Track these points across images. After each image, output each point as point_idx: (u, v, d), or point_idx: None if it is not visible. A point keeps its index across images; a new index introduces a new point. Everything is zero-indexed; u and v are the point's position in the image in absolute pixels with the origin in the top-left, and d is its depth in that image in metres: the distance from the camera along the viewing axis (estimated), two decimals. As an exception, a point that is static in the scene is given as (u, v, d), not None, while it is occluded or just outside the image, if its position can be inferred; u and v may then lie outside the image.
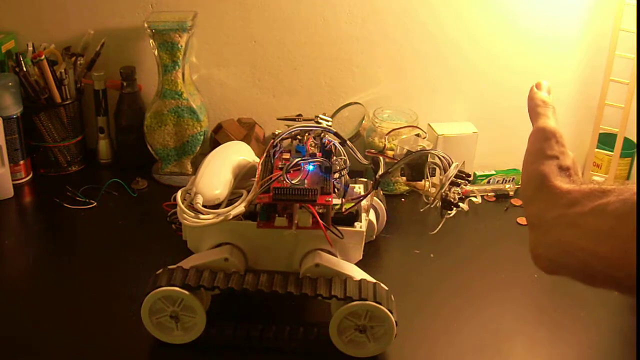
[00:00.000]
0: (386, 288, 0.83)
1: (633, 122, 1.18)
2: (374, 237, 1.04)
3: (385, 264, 1.03)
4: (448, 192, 0.82)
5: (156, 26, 1.14)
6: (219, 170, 0.90)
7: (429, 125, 1.22)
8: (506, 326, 0.91)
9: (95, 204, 1.14)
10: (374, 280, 0.84)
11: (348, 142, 0.89)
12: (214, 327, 0.85)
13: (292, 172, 0.81)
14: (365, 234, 0.88)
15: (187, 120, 1.19)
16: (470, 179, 0.86)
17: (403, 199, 1.21)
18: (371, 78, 1.27)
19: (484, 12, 1.20)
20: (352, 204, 0.88)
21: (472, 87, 1.26)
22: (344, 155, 0.87)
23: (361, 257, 0.89)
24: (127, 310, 0.89)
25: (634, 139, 1.23)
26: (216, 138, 1.23)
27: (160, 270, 0.84)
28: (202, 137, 1.21)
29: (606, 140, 1.23)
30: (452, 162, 0.84)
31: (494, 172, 1.24)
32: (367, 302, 0.80)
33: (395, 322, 0.81)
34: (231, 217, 0.83)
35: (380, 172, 0.86)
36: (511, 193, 1.21)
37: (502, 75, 1.24)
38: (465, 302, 0.95)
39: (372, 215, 1.02)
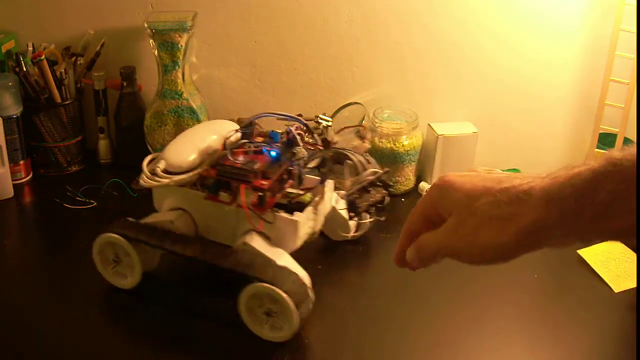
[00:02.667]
0: (305, 282, 0.83)
1: (633, 122, 1.18)
2: (349, 236, 1.02)
3: (384, 264, 1.03)
4: (357, 197, 0.82)
5: (156, 26, 1.14)
6: (191, 141, 0.95)
7: (429, 125, 1.22)
8: (506, 326, 0.91)
9: (95, 204, 1.14)
10: (295, 270, 0.84)
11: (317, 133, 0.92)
12: (152, 284, 0.92)
13: (252, 154, 0.86)
14: (300, 225, 0.86)
15: (187, 120, 1.19)
16: (390, 190, 0.86)
17: (403, 199, 1.21)
18: (371, 78, 1.27)
19: (485, 12, 1.20)
20: (304, 194, 0.89)
21: (472, 87, 1.26)
22: (315, 146, 0.90)
23: (297, 247, 0.89)
24: (127, 310, 0.89)
25: (634, 139, 1.23)
26: None
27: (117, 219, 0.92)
28: (202, 137, 1.21)
29: (606, 140, 1.23)
30: (369, 167, 0.84)
31: (494, 172, 1.24)
32: (264, 284, 0.80)
33: (301, 316, 0.80)
34: (173, 183, 0.90)
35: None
36: (511, 193, 1.21)
37: (502, 75, 1.24)
38: (464, 302, 0.95)
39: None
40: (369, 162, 0.87)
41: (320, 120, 1.19)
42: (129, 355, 0.85)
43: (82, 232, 1.10)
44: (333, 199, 0.95)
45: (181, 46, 1.15)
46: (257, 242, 0.87)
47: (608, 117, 1.20)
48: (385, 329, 0.89)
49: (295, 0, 1.21)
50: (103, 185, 1.17)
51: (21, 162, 1.19)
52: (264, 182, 0.83)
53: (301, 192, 0.90)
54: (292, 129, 0.90)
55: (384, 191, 0.85)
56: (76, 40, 1.23)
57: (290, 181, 0.89)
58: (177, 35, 1.14)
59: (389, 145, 1.18)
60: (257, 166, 0.84)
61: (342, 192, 0.86)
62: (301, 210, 0.88)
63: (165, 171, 0.92)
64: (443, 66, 1.25)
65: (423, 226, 0.55)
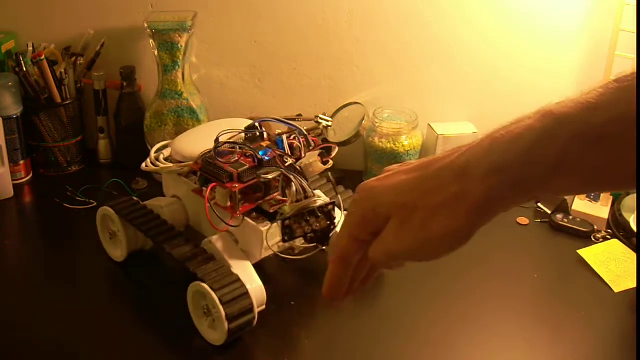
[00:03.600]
0: (250, 295, 0.81)
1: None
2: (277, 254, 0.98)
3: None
4: (293, 222, 0.80)
5: (156, 26, 1.14)
6: (201, 134, 0.97)
7: (429, 125, 1.22)
8: (506, 327, 0.91)
9: (95, 204, 1.14)
10: (245, 280, 0.82)
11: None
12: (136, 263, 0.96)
13: (243, 157, 0.85)
14: (265, 235, 0.85)
15: (187, 120, 1.19)
16: (334, 222, 0.82)
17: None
18: (371, 78, 1.27)
19: (485, 12, 1.20)
20: (283, 205, 0.86)
21: (472, 87, 1.26)
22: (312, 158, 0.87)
23: (259, 258, 0.88)
24: (127, 309, 0.89)
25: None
26: None
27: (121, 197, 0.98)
28: (202, 137, 1.21)
29: (606, 140, 1.22)
30: (311, 196, 0.83)
31: (494, 172, 1.24)
32: (203, 284, 0.80)
33: (229, 320, 0.79)
34: (163, 172, 0.94)
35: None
36: (511, 193, 1.21)
37: (502, 75, 1.24)
38: (464, 303, 0.95)
39: None
40: (310, 190, 0.85)
41: (320, 120, 1.20)
42: (129, 353, 0.85)
43: (82, 232, 1.10)
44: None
45: (181, 46, 1.15)
46: (221, 243, 0.87)
47: (608, 117, 1.20)
48: (384, 330, 0.89)
49: (295, 0, 1.21)
50: (103, 185, 1.17)
51: (21, 162, 1.19)
52: (236, 185, 0.83)
53: (283, 201, 0.86)
54: (284, 137, 0.89)
55: (327, 222, 0.82)
56: (76, 40, 1.23)
57: (278, 191, 0.86)
58: (177, 35, 1.14)
59: (389, 145, 1.18)
60: (238, 169, 0.83)
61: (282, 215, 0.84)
62: (271, 219, 0.86)
63: (170, 159, 0.95)
64: (443, 66, 1.25)
65: (356, 250, 0.50)
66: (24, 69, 1.16)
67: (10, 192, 1.16)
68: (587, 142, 0.41)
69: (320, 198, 0.86)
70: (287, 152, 0.88)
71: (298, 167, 0.86)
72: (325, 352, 0.86)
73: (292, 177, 0.83)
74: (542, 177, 0.42)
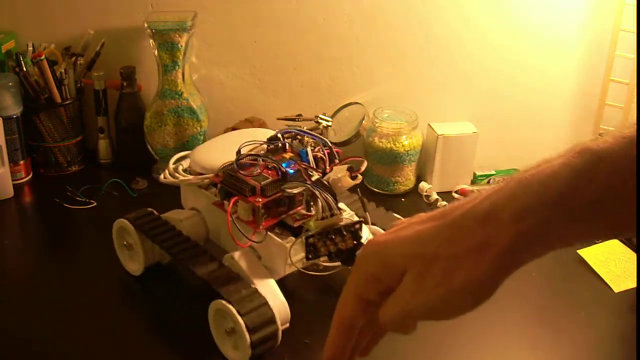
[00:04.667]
0: (273, 312, 0.78)
1: (633, 122, 1.18)
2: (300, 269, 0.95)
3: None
4: (317, 240, 0.77)
5: (156, 26, 1.14)
6: (222, 145, 0.95)
7: (429, 125, 1.22)
8: (506, 326, 0.91)
9: (95, 204, 1.14)
10: (268, 297, 0.79)
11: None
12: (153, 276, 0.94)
13: (265, 169, 0.83)
14: (288, 251, 0.82)
15: (187, 120, 1.19)
16: (360, 242, 0.78)
17: (403, 199, 1.21)
18: (371, 78, 1.27)
19: (485, 12, 1.20)
20: (308, 219, 0.83)
21: (472, 87, 1.26)
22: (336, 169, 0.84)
23: (282, 275, 0.85)
24: (128, 309, 0.89)
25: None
26: None
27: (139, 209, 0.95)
28: (202, 137, 1.21)
29: (606, 140, 1.22)
30: (336, 213, 0.79)
31: (494, 172, 1.24)
32: (225, 302, 0.78)
33: (254, 344, 0.76)
34: (182, 184, 0.91)
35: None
36: (511, 193, 1.21)
37: (502, 75, 1.24)
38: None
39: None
40: (338, 208, 0.81)
41: (320, 120, 1.20)
42: (128, 352, 0.85)
43: (82, 232, 1.10)
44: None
45: (181, 46, 1.15)
46: (243, 259, 0.84)
47: (608, 117, 1.20)
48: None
49: (295, 0, 1.21)
50: (103, 185, 1.17)
51: (21, 162, 1.19)
52: (259, 199, 0.80)
53: (307, 216, 0.84)
54: (309, 149, 0.86)
55: (354, 241, 0.79)
56: (76, 40, 1.23)
57: (302, 205, 0.84)
58: (177, 35, 1.14)
59: (389, 145, 1.18)
60: (262, 182, 0.81)
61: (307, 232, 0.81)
62: (296, 234, 0.84)
63: (188, 170, 0.93)
64: (443, 66, 1.25)
65: (361, 312, 0.45)
66: (24, 69, 1.16)
67: (10, 192, 1.16)
68: (630, 178, 0.38)
69: (347, 215, 0.83)
70: (312, 164, 0.85)
71: (326, 182, 0.82)
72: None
73: (317, 192, 0.80)
74: (579, 219, 0.39)
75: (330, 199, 0.80)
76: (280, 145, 0.88)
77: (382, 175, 1.20)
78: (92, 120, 1.28)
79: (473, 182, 1.23)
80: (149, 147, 1.22)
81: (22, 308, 0.91)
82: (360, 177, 0.84)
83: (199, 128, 1.20)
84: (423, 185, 1.21)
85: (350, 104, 1.26)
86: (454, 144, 1.20)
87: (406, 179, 1.21)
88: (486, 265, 0.40)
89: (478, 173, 1.24)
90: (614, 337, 0.91)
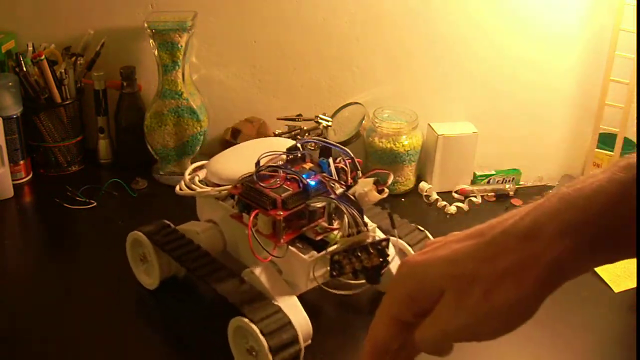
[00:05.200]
0: (296, 329, 0.75)
1: (633, 122, 1.18)
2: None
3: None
4: (342, 257, 0.75)
5: (156, 26, 1.14)
6: (239, 155, 0.92)
7: (429, 125, 1.22)
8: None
9: (95, 204, 1.14)
10: (290, 314, 0.76)
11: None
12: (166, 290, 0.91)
13: (287, 182, 0.80)
14: (309, 265, 0.79)
15: (187, 120, 1.19)
16: (387, 259, 0.76)
17: (403, 199, 1.21)
18: (371, 78, 1.27)
19: (485, 12, 1.20)
20: (330, 232, 0.81)
21: (473, 87, 1.26)
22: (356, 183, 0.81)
23: (304, 290, 0.82)
24: (128, 309, 0.89)
25: (634, 139, 1.23)
26: (239, 142, 1.21)
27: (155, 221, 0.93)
28: (202, 137, 1.21)
29: (606, 140, 1.23)
30: (363, 230, 0.75)
31: (494, 172, 1.24)
32: (246, 320, 0.75)
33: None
34: (199, 195, 0.88)
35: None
36: (511, 193, 1.21)
37: (502, 75, 1.24)
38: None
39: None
40: (365, 224, 0.77)
41: (320, 120, 1.20)
42: (127, 353, 0.85)
43: (82, 232, 1.10)
44: None
45: (181, 46, 1.15)
46: (264, 274, 0.81)
47: (608, 117, 1.20)
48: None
49: (295, 0, 1.21)
50: (103, 185, 1.17)
51: (21, 162, 1.19)
52: (280, 212, 0.77)
53: (329, 229, 0.81)
54: (331, 160, 0.83)
55: (380, 259, 0.76)
56: (76, 40, 1.23)
57: (323, 217, 0.81)
58: (177, 35, 1.14)
59: (389, 145, 1.18)
60: (282, 194, 0.78)
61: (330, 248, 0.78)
62: (323, 250, 0.80)
63: (206, 181, 0.90)
64: (443, 66, 1.25)
65: (396, 334, 0.44)
66: (24, 69, 1.16)
67: (10, 192, 1.16)
68: None
69: (374, 232, 0.80)
70: (334, 177, 0.82)
71: (352, 196, 0.78)
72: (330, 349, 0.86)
73: (344, 208, 0.77)
74: (624, 235, 0.38)
75: (356, 214, 0.77)
76: (299, 155, 0.85)
77: (382, 176, 1.19)
78: (92, 120, 1.28)
79: (473, 182, 1.23)
80: (149, 147, 1.22)
81: (22, 308, 0.91)
82: (387, 190, 0.80)
83: (199, 128, 1.20)
84: (423, 185, 1.22)
85: (350, 104, 1.26)
86: (454, 144, 1.20)
87: (406, 179, 1.21)
88: (529, 283, 0.39)
89: (478, 173, 1.24)
90: (613, 337, 0.91)
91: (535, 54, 1.23)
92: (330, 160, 0.83)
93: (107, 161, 1.29)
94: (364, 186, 0.79)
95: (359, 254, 0.76)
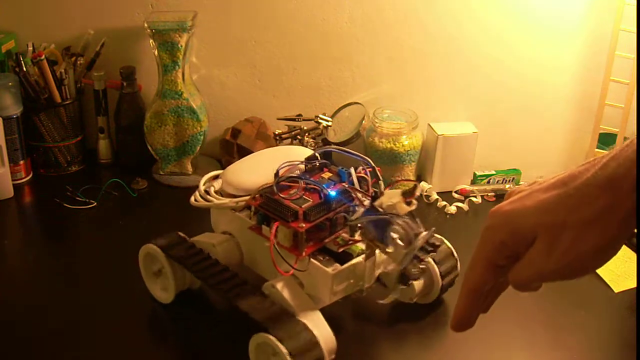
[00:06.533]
0: (321, 344, 0.74)
1: (633, 122, 1.18)
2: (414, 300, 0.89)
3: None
4: (406, 267, 0.73)
5: (156, 26, 1.14)
6: (256, 164, 0.90)
7: (429, 125, 1.22)
8: (506, 326, 0.91)
9: (95, 204, 1.14)
10: (314, 329, 0.75)
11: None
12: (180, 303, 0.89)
13: (307, 192, 0.78)
14: (333, 278, 0.77)
15: (187, 120, 1.19)
16: (436, 251, 0.76)
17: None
18: (371, 78, 1.27)
19: (485, 12, 1.20)
20: (353, 244, 0.80)
21: (472, 87, 1.26)
22: (377, 192, 0.79)
23: (327, 303, 0.80)
24: (128, 310, 0.89)
25: (634, 139, 1.22)
26: (239, 143, 1.22)
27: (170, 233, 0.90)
28: (202, 137, 1.21)
29: (606, 140, 1.23)
30: (421, 232, 0.73)
31: (494, 172, 1.24)
32: (269, 336, 0.73)
33: None
34: (216, 207, 0.86)
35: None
36: (511, 193, 1.21)
37: (502, 75, 1.24)
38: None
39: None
40: (417, 226, 0.74)
41: (320, 120, 1.20)
42: (126, 354, 0.85)
43: (82, 232, 1.10)
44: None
45: (181, 46, 1.15)
46: (286, 289, 0.79)
47: (608, 117, 1.20)
48: (384, 329, 0.89)
49: (295, 0, 1.21)
50: (103, 185, 1.17)
51: (21, 162, 1.19)
52: (302, 225, 0.76)
53: (350, 242, 0.80)
54: (352, 170, 0.81)
55: (431, 251, 0.76)
56: (76, 40, 1.23)
57: (345, 228, 0.80)
58: (177, 35, 1.14)
59: (389, 145, 1.18)
60: (303, 205, 0.76)
61: (392, 265, 0.76)
62: (346, 262, 0.79)
63: (222, 192, 0.88)
64: (443, 66, 1.25)
65: (490, 276, 0.49)
66: (24, 69, 1.16)
67: (10, 192, 1.16)
68: None
69: (423, 232, 0.74)
70: (357, 186, 0.80)
71: (380, 208, 0.75)
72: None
73: (401, 223, 0.72)
74: None
75: (410, 221, 0.73)
76: (318, 164, 0.84)
77: (382, 176, 1.19)
78: (92, 120, 1.28)
79: (473, 182, 1.23)
80: (149, 147, 1.22)
81: (22, 308, 0.91)
82: (415, 202, 0.76)
83: (199, 128, 1.20)
84: (423, 185, 1.21)
85: (350, 104, 1.26)
86: (454, 144, 1.20)
87: (406, 179, 1.21)
88: (612, 229, 0.43)
89: (478, 173, 1.24)
90: (613, 337, 0.91)
91: (535, 54, 1.22)
92: (352, 169, 0.81)
93: (107, 161, 1.29)
94: (392, 198, 0.75)
95: (423, 257, 0.75)
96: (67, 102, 1.21)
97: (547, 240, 0.45)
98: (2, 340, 0.85)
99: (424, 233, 0.73)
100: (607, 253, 0.45)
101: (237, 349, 0.80)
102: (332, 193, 0.78)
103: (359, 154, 0.84)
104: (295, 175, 0.80)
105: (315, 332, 0.75)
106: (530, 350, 0.88)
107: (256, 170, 0.86)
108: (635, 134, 0.42)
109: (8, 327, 0.87)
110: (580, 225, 0.44)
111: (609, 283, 0.98)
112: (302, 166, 0.84)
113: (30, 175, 1.22)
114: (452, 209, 1.16)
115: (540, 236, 0.46)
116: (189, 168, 1.24)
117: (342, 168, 0.82)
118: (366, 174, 0.81)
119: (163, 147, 1.21)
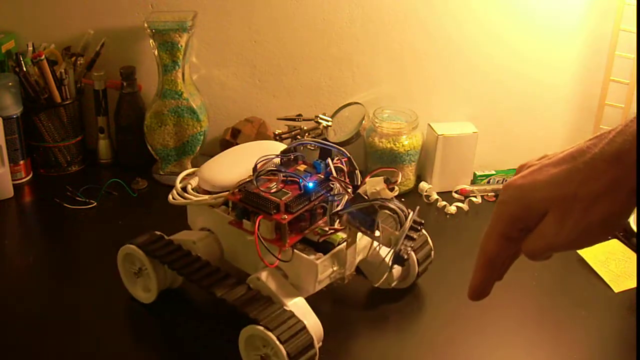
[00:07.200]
0: (310, 331, 0.76)
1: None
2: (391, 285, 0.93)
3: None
4: (402, 247, 0.76)
5: (156, 26, 1.14)
6: (231, 160, 0.91)
7: (429, 125, 1.22)
8: (506, 326, 0.91)
9: (95, 204, 1.14)
10: (302, 317, 0.77)
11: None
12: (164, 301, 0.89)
13: (285, 185, 0.80)
14: (318, 268, 0.79)
15: (187, 120, 1.19)
16: (422, 227, 0.78)
17: (403, 199, 1.21)
18: (371, 78, 1.27)
19: (484, 12, 1.20)
20: (333, 233, 0.82)
21: (472, 87, 1.26)
22: (357, 181, 0.82)
23: (312, 292, 0.82)
24: (127, 310, 0.89)
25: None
26: (239, 142, 1.21)
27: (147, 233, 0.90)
28: (202, 137, 1.21)
29: (606, 140, 1.22)
30: (408, 214, 0.76)
31: (494, 172, 1.24)
32: (259, 327, 0.74)
33: None
34: (195, 204, 0.87)
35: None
36: (511, 193, 1.21)
37: (502, 75, 1.24)
38: (464, 301, 0.95)
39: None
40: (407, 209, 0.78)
41: (320, 120, 1.20)
42: (125, 354, 0.85)
43: (82, 232, 1.10)
44: (376, 246, 0.85)
45: (181, 46, 1.15)
46: (271, 280, 0.80)
47: (608, 117, 1.20)
48: (384, 328, 0.89)
49: (295, 0, 1.21)
50: (103, 185, 1.17)
51: (21, 162, 1.19)
52: (285, 216, 0.77)
53: (331, 231, 0.82)
54: (329, 161, 0.82)
55: (419, 229, 0.78)
56: (76, 40, 1.23)
57: (324, 218, 0.82)
58: (177, 35, 1.14)
59: (389, 145, 1.18)
60: (283, 198, 0.78)
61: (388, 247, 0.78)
62: (327, 251, 0.81)
63: (198, 189, 0.89)
64: (443, 66, 1.25)
65: (504, 248, 0.52)
66: (24, 69, 1.16)
67: (10, 192, 1.16)
68: None
69: (409, 214, 0.78)
70: (338, 177, 0.81)
71: (364, 195, 0.77)
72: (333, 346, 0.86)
73: (391, 205, 0.75)
74: None
75: (400, 205, 0.76)
76: (292, 157, 0.85)
77: (388, 174, 1.19)
78: (92, 120, 1.28)
79: (473, 182, 1.23)
80: (149, 147, 1.22)
81: (21, 308, 0.91)
82: (397, 188, 0.79)
83: (199, 128, 1.20)
84: (423, 185, 1.22)
85: (350, 104, 1.26)
86: (454, 144, 1.20)
87: (406, 179, 1.21)
88: (620, 201, 0.45)
89: (478, 173, 1.24)
90: (613, 337, 0.91)
91: (535, 54, 1.22)
92: (329, 160, 0.83)
93: (107, 161, 1.29)
94: (375, 185, 0.78)
95: (414, 235, 0.77)
96: (67, 102, 1.21)
97: (559, 213, 0.47)
98: (2, 340, 0.85)
99: (412, 213, 0.76)
100: (614, 224, 0.46)
101: (225, 344, 0.81)
102: (311, 184, 0.80)
103: (334, 145, 0.86)
104: (275, 168, 0.82)
105: (303, 320, 0.77)
106: (531, 350, 0.88)
107: (231, 166, 0.88)
108: (636, 134, 0.43)
109: (8, 327, 0.88)
110: (590, 199, 0.46)
111: (609, 283, 0.98)
112: (277, 160, 0.85)
113: (30, 175, 1.22)
114: (452, 209, 1.16)
115: (552, 209, 0.47)
116: (189, 168, 1.24)
117: (317, 161, 0.84)
118: (341, 164, 0.83)
119: (163, 147, 1.21)
